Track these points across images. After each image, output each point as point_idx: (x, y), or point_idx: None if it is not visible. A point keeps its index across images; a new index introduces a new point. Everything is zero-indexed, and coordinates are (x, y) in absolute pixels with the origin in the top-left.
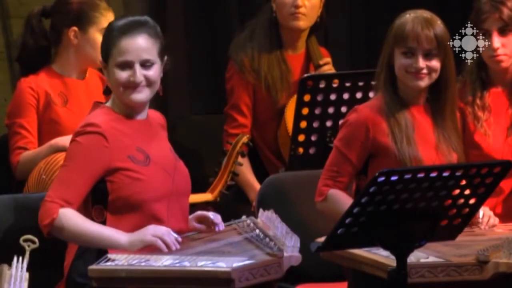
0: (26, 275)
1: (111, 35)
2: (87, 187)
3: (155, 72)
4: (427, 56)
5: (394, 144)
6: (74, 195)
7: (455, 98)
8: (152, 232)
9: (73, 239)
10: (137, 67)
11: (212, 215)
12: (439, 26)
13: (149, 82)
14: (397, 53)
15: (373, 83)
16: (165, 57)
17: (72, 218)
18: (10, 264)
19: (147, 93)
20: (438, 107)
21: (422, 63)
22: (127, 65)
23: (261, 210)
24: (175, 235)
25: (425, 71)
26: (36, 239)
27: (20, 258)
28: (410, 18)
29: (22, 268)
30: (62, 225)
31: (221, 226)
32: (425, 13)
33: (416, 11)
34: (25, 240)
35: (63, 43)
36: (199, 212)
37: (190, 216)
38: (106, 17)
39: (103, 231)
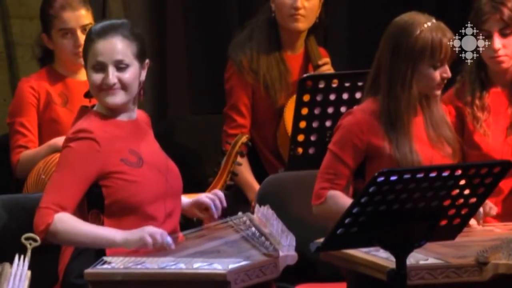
0: (27, 273)
1: (89, 39)
2: (80, 192)
3: (130, 75)
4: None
5: (391, 150)
6: (68, 200)
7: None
8: (148, 232)
9: (68, 242)
10: (111, 69)
11: (211, 203)
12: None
13: (123, 85)
14: (425, 67)
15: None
16: (147, 60)
17: (67, 222)
18: (11, 263)
19: (122, 96)
20: (426, 102)
21: (449, 72)
22: (101, 67)
23: (257, 206)
24: (170, 240)
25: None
26: (37, 237)
27: (22, 256)
28: (433, 29)
29: (23, 266)
30: (56, 229)
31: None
32: (435, 20)
33: (429, 20)
34: (27, 238)
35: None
36: (199, 199)
37: (190, 200)
38: (61, 18)
39: (98, 230)
